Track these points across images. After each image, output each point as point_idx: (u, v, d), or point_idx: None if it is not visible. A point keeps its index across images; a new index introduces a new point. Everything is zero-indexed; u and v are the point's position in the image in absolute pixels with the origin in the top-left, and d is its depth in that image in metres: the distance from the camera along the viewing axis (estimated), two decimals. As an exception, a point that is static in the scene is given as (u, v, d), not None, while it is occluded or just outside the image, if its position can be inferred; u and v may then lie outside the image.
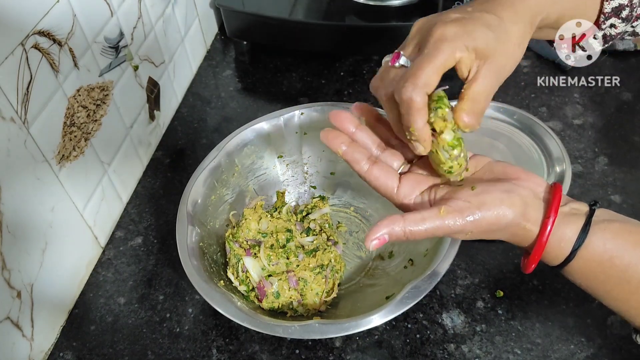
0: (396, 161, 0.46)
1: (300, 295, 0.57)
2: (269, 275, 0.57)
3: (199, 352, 0.57)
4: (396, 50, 0.42)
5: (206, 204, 0.61)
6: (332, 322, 0.49)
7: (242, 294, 0.58)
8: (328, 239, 0.63)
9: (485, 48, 0.39)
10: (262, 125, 0.66)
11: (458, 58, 0.39)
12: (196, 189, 0.60)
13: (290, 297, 0.57)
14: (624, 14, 0.45)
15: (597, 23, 0.47)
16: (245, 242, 0.60)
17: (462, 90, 0.40)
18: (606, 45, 0.48)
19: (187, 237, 0.55)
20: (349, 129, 0.45)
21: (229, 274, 0.59)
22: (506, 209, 0.39)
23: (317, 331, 0.49)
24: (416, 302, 0.49)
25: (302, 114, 0.67)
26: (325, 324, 0.49)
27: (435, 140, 0.41)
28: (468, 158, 0.43)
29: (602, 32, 0.47)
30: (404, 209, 0.44)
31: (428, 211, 0.39)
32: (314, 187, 0.71)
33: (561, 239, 0.39)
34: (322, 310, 0.58)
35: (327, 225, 0.65)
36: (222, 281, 0.57)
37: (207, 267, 0.56)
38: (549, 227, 0.39)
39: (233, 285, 0.58)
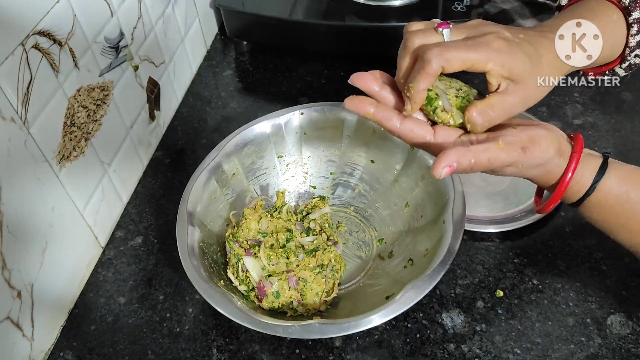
0: (420, 115, 0.46)
1: (300, 295, 0.57)
2: (269, 275, 0.57)
3: (199, 351, 0.57)
4: (448, 21, 0.45)
5: (206, 204, 0.61)
6: (332, 322, 0.49)
7: (242, 294, 0.58)
8: (328, 239, 0.63)
9: (520, 73, 0.42)
10: (262, 125, 0.66)
11: (489, 69, 0.41)
12: (196, 189, 0.60)
13: (290, 297, 0.57)
14: None
15: (623, 54, 0.51)
16: (245, 242, 0.60)
17: (487, 96, 0.43)
18: (630, 72, 0.53)
19: (187, 237, 0.55)
20: (373, 89, 0.46)
21: (229, 274, 0.59)
22: (550, 143, 0.42)
23: (317, 331, 0.49)
24: (416, 302, 0.49)
25: (302, 114, 0.67)
26: (325, 324, 0.49)
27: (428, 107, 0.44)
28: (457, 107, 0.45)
29: (628, 62, 0.52)
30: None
31: (488, 143, 0.41)
32: (314, 187, 0.71)
33: (581, 176, 0.44)
34: (322, 310, 0.58)
35: (327, 225, 0.65)
36: (222, 281, 0.57)
37: (207, 267, 0.56)
38: (574, 162, 0.43)
39: (233, 285, 0.58)
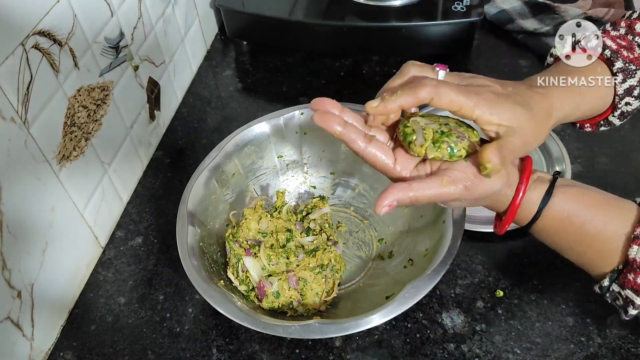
0: (382, 137, 0.47)
1: (300, 295, 0.57)
2: (269, 275, 0.57)
3: (199, 351, 0.57)
4: (446, 65, 0.48)
5: (206, 204, 0.61)
6: (332, 322, 0.49)
7: (242, 294, 0.58)
8: (328, 239, 0.63)
9: (511, 119, 0.43)
10: (262, 125, 0.66)
11: (476, 116, 0.42)
12: (196, 189, 0.60)
13: (290, 297, 0.57)
14: (636, 92, 0.51)
15: (613, 104, 0.52)
16: (245, 242, 0.60)
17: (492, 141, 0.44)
18: (625, 120, 0.54)
19: (187, 237, 0.55)
20: (334, 112, 0.46)
21: (229, 274, 0.59)
22: (497, 178, 0.43)
23: (317, 331, 0.49)
24: (416, 302, 0.49)
25: (302, 114, 0.67)
26: (325, 324, 0.49)
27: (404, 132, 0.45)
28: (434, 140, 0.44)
29: (619, 110, 0.53)
30: (402, 181, 0.46)
31: (431, 180, 0.43)
32: (314, 187, 0.71)
33: (529, 201, 0.46)
34: (322, 310, 0.58)
35: (327, 225, 0.65)
36: (222, 281, 0.57)
37: (207, 267, 0.56)
38: (522, 191, 0.45)
39: (233, 285, 0.58)
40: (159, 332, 0.59)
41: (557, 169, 0.69)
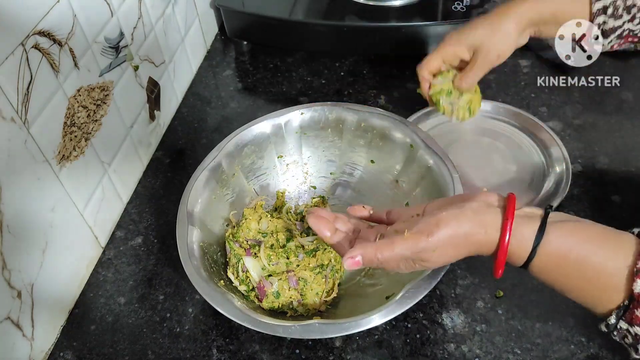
0: (372, 236, 0.50)
1: (300, 295, 0.57)
2: (269, 275, 0.57)
3: (199, 351, 0.57)
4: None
5: (206, 204, 0.61)
6: (332, 322, 0.49)
7: (242, 294, 0.58)
8: (328, 239, 0.63)
9: (474, 42, 0.60)
10: (262, 125, 0.66)
11: (452, 51, 0.62)
12: (196, 189, 0.60)
13: (291, 297, 0.57)
14: (609, 11, 0.56)
15: (590, 19, 0.58)
16: (245, 242, 0.60)
17: (464, 69, 0.63)
18: (608, 40, 0.58)
19: (187, 237, 0.55)
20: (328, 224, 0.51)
21: (229, 274, 0.59)
22: (462, 221, 0.43)
23: (317, 331, 0.49)
24: (416, 302, 0.49)
25: (302, 114, 0.67)
26: (325, 324, 0.49)
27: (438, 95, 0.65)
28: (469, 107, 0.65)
29: (600, 28, 0.58)
30: None
31: (394, 237, 0.45)
32: (314, 187, 0.71)
33: (521, 240, 0.43)
34: (322, 310, 0.58)
35: (327, 225, 0.64)
36: (222, 281, 0.57)
37: (207, 267, 0.56)
38: (508, 229, 0.42)
39: (233, 285, 0.58)
40: (159, 332, 0.59)
41: (557, 169, 0.69)
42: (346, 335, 0.57)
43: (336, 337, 0.57)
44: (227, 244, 0.60)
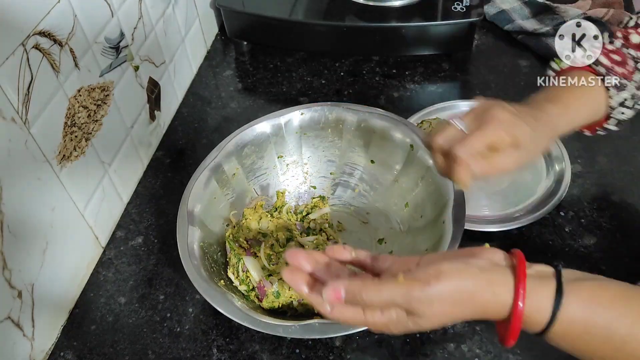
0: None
1: (301, 294, 0.57)
2: (269, 275, 0.58)
3: (199, 351, 0.57)
4: (460, 117, 0.54)
5: (206, 204, 0.61)
6: (332, 322, 0.49)
7: (243, 294, 0.58)
8: (328, 239, 0.63)
9: (521, 139, 0.51)
10: (262, 125, 0.66)
11: (500, 136, 0.50)
12: (196, 189, 0.60)
13: (291, 297, 0.57)
14: (628, 103, 0.57)
15: (607, 115, 0.58)
16: (245, 242, 0.60)
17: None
18: (622, 126, 0.59)
19: (187, 237, 0.56)
20: (306, 268, 0.43)
21: (229, 274, 0.59)
22: (466, 276, 0.39)
23: (317, 331, 0.49)
24: (416, 301, 0.49)
25: (302, 114, 0.67)
26: (325, 324, 0.49)
27: None
28: None
29: (614, 119, 0.58)
30: None
31: (385, 278, 0.40)
32: (314, 187, 0.71)
33: (538, 303, 0.39)
34: (322, 309, 0.58)
35: (327, 225, 0.65)
36: (222, 281, 0.57)
37: (208, 266, 0.56)
38: (521, 292, 0.38)
39: (233, 284, 0.58)
40: (160, 332, 0.59)
41: (557, 168, 0.69)
42: (346, 335, 0.57)
43: (336, 337, 0.57)
44: (227, 243, 0.60)
